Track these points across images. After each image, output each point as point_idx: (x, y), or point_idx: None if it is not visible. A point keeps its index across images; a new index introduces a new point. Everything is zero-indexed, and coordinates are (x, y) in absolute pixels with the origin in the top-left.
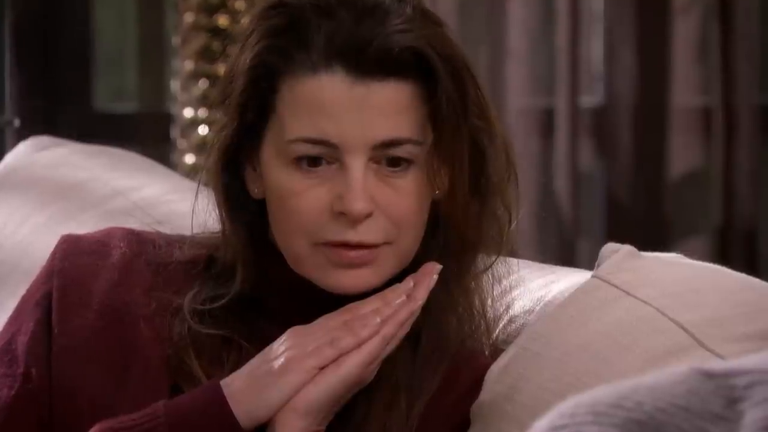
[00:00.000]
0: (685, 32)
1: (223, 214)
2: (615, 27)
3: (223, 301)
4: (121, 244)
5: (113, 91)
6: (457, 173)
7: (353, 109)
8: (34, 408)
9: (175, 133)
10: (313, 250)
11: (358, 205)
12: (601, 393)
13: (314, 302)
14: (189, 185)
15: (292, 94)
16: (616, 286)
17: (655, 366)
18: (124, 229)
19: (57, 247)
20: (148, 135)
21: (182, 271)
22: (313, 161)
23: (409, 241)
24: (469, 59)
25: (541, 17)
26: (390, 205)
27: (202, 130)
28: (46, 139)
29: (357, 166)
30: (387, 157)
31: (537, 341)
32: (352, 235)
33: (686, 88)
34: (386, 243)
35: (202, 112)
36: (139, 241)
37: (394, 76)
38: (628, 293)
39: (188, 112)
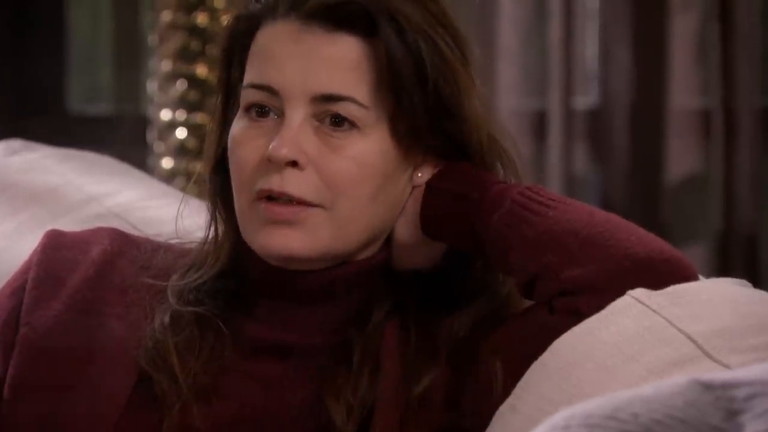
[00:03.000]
0: (684, 31)
1: (214, 180)
2: (610, 25)
3: (201, 281)
4: (105, 242)
5: (87, 92)
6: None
7: (299, 58)
8: None
9: (151, 136)
10: (251, 207)
11: (281, 149)
12: (595, 404)
13: (282, 295)
14: (166, 190)
15: (256, 44)
16: (629, 294)
17: (659, 377)
18: (111, 228)
19: (40, 240)
20: (123, 138)
21: (164, 276)
22: (262, 112)
23: (348, 211)
24: (446, 36)
25: (534, 14)
26: (323, 163)
27: (180, 132)
28: (17, 143)
29: (293, 116)
30: (329, 115)
31: (547, 351)
32: (277, 182)
33: (685, 89)
34: (320, 206)
35: (180, 115)
36: (124, 242)
37: (345, 31)
38: (639, 300)
39: (166, 114)
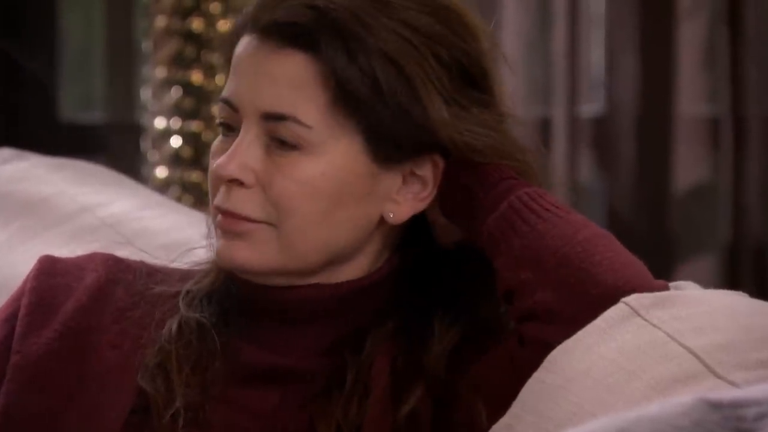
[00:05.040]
0: (691, 37)
1: None
2: (616, 31)
3: (207, 290)
4: (98, 268)
5: (80, 99)
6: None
7: (251, 73)
8: None
9: (145, 144)
10: (214, 221)
11: (225, 167)
12: (599, 425)
13: (265, 312)
14: (161, 200)
15: (233, 58)
16: (626, 303)
17: (662, 394)
18: (106, 254)
19: (33, 267)
20: (116, 147)
21: (160, 303)
22: (230, 127)
23: (295, 229)
24: (426, 50)
25: (537, 20)
26: (268, 182)
27: (175, 141)
28: (8, 152)
29: (244, 133)
30: (276, 132)
31: (542, 368)
32: (223, 199)
33: (692, 97)
34: (268, 223)
35: (175, 123)
36: (119, 269)
37: (295, 48)
38: (637, 313)
39: (160, 123)
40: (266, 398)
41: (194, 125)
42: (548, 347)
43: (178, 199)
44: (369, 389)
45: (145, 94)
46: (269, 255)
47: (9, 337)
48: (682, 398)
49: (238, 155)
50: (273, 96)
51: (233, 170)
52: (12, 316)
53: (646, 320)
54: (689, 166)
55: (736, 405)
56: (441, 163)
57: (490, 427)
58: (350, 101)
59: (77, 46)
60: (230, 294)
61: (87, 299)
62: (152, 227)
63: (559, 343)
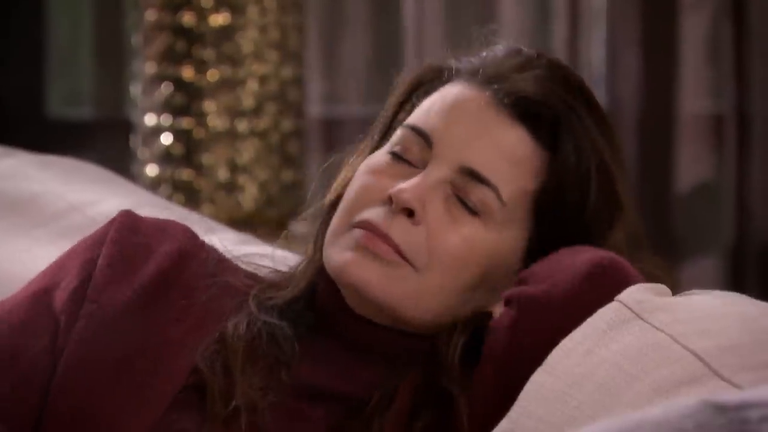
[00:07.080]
0: (695, 32)
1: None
2: (618, 26)
3: (280, 301)
4: (180, 237)
5: (68, 95)
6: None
7: (471, 126)
8: (47, 363)
9: (135, 141)
10: (346, 230)
11: (405, 193)
12: (602, 428)
13: (341, 339)
14: (151, 199)
15: (440, 93)
16: (628, 306)
17: (665, 397)
18: (183, 225)
19: (115, 218)
20: (105, 144)
21: (229, 294)
22: (404, 158)
23: (435, 284)
24: (607, 146)
25: (536, 15)
26: (437, 229)
27: (166, 138)
28: None
29: (434, 172)
30: (465, 189)
31: (541, 370)
32: (385, 221)
33: (696, 93)
34: (412, 263)
35: (166, 119)
36: (194, 244)
37: (529, 128)
38: (639, 316)
39: (150, 119)
40: (311, 415)
41: (185, 122)
42: (522, 306)
43: (169, 198)
44: (390, 409)
45: (135, 89)
46: (395, 293)
47: (86, 282)
48: (686, 400)
49: (423, 189)
50: (487, 159)
51: (413, 201)
52: (89, 262)
53: (648, 323)
54: (692, 164)
55: (740, 407)
56: None
57: (480, 425)
58: (549, 201)
59: (65, 41)
60: (304, 309)
61: (168, 266)
62: None
63: (532, 300)
